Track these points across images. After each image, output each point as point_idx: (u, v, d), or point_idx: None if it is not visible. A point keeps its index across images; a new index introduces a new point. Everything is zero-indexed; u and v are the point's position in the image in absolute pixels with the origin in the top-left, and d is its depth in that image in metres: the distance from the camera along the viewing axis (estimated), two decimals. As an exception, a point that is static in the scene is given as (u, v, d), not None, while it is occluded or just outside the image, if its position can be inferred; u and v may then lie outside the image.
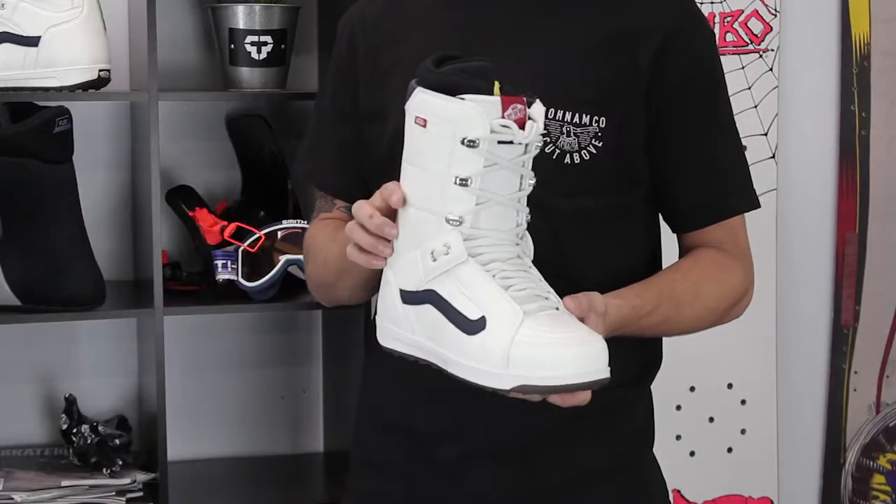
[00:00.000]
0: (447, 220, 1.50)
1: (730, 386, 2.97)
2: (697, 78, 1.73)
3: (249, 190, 2.67)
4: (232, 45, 2.51)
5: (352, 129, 1.81)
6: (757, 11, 2.92)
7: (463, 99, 1.47)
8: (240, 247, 2.45)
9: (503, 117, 1.48)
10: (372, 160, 1.78)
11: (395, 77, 1.74)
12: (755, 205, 1.81)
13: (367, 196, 1.59)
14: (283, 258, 2.45)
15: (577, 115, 1.67)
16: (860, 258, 3.04)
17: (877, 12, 2.99)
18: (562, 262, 1.66)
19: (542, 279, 1.53)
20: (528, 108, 1.50)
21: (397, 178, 1.57)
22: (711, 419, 2.96)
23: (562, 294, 1.54)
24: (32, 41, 2.34)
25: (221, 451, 2.76)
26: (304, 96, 2.65)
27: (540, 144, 1.52)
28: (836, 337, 3.06)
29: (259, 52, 2.50)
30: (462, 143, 1.48)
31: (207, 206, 2.56)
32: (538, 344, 1.45)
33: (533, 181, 1.52)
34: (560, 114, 1.67)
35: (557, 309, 1.50)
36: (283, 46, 2.52)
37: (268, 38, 2.50)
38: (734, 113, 1.81)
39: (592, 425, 1.74)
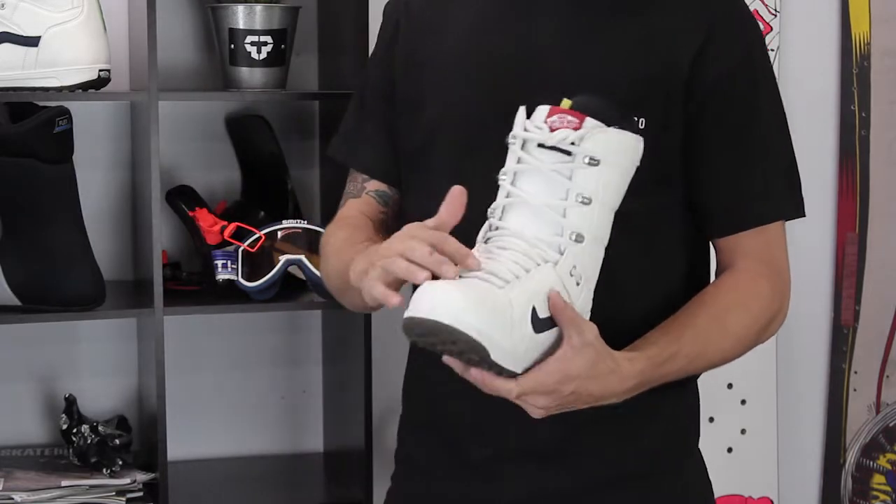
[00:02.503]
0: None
1: (730, 386, 2.97)
2: (737, 78, 1.70)
3: (249, 190, 2.67)
4: (232, 45, 2.51)
5: (392, 112, 1.80)
6: (757, 11, 2.92)
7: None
8: (240, 247, 2.44)
9: None
10: (403, 153, 1.78)
11: (430, 69, 1.74)
12: (796, 212, 1.74)
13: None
14: (283, 258, 2.44)
15: None
16: (860, 258, 3.04)
17: (877, 12, 2.99)
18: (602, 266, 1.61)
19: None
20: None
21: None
22: (711, 419, 2.96)
23: (602, 306, 1.55)
24: (32, 41, 2.34)
25: (221, 450, 2.76)
26: (304, 96, 2.65)
27: None
28: (836, 337, 3.06)
29: (259, 52, 2.50)
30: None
31: (207, 206, 2.56)
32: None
33: None
34: None
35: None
36: (283, 46, 2.52)
37: (268, 38, 2.50)
38: None
39: (628, 424, 1.71)
